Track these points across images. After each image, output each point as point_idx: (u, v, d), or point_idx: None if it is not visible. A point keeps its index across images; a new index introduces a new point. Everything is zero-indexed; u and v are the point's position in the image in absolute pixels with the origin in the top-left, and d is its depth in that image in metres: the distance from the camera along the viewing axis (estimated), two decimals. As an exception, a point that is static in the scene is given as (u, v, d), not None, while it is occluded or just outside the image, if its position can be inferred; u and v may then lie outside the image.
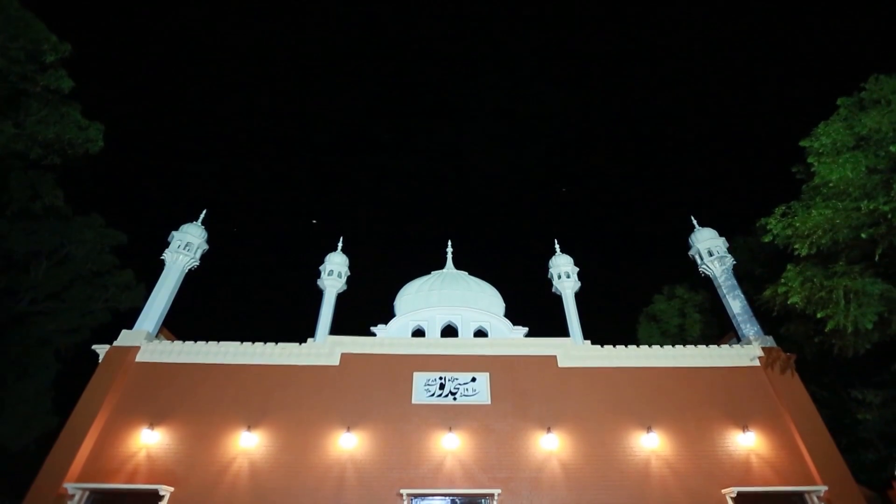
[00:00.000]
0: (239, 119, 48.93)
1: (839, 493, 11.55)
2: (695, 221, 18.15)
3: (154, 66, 42.62)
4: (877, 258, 10.78)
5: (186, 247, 16.55)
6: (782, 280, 11.95)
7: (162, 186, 43.70)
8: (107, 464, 12.05)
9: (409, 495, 11.66)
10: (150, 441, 12.37)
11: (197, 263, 16.99)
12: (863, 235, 10.71)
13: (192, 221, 17.37)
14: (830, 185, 11.59)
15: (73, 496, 11.40)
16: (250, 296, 43.63)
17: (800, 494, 11.87)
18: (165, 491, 11.52)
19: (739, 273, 17.87)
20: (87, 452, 12.12)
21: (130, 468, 12.01)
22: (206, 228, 17.51)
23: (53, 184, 17.28)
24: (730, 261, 16.71)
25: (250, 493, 11.75)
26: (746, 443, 12.57)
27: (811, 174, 12.41)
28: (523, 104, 52.30)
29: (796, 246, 11.67)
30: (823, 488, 11.58)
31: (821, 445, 12.37)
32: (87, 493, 11.64)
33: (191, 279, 17.09)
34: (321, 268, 19.00)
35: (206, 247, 17.30)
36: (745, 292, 16.17)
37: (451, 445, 12.51)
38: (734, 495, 11.62)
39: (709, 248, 17.03)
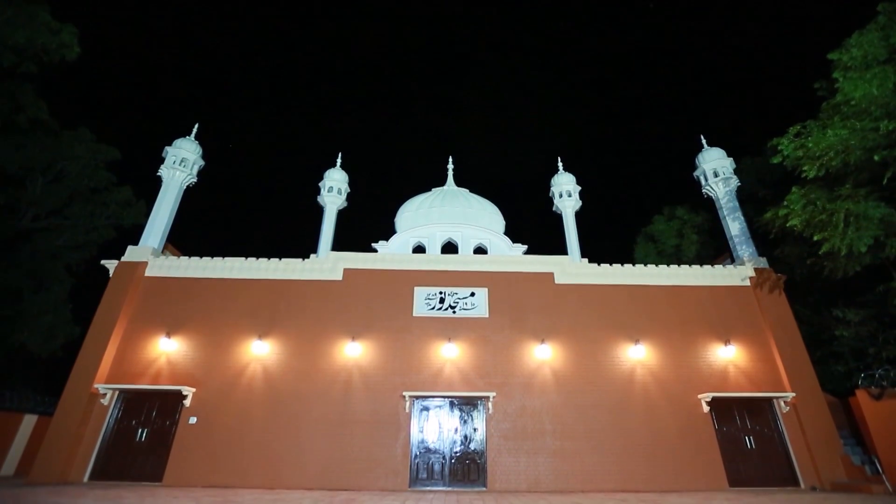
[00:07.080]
0: (231, 23, 45.04)
1: (805, 399, 12.64)
2: (704, 141, 17.60)
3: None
4: (885, 181, 10.55)
5: (182, 163, 16.24)
6: (784, 203, 11.82)
7: (150, 99, 41.59)
8: (131, 368, 13.02)
9: (411, 397, 12.75)
10: (168, 348, 13.24)
11: (194, 180, 16.80)
12: (876, 158, 10.37)
13: (184, 136, 16.87)
14: (852, 102, 10.94)
15: (104, 395, 12.52)
16: (251, 213, 43.71)
17: (769, 400, 12.99)
18: (188, 391, 12.58)
19: (743, 195, 17.70)
20: (111, 358, 13.03)
21: (153, 371, 13.01)
22: (201, 144, 17.03)
23: (34, 95, 16.41)
24: (734, 182, 16.48)
25: (265, 393, 12.84)
26: (726, 355, 13.45)
27: (834, 91, 11.69)
28: (526, 23, 47.76)
29: (805, 168, 11.35)
30: (791, 394, 12.63)
31: (795, 358, 13.25)
32: (116, 393, 12.76)
33: (190, 196, 17.02)
34: (321, 184, 18.80)
35: (202, 163, 16.95)
36: (745, 214, 16.14)
37: (450, 354, 13.40)
38: (709, 399, 12.72)
39: (715, 168, 16.70)
